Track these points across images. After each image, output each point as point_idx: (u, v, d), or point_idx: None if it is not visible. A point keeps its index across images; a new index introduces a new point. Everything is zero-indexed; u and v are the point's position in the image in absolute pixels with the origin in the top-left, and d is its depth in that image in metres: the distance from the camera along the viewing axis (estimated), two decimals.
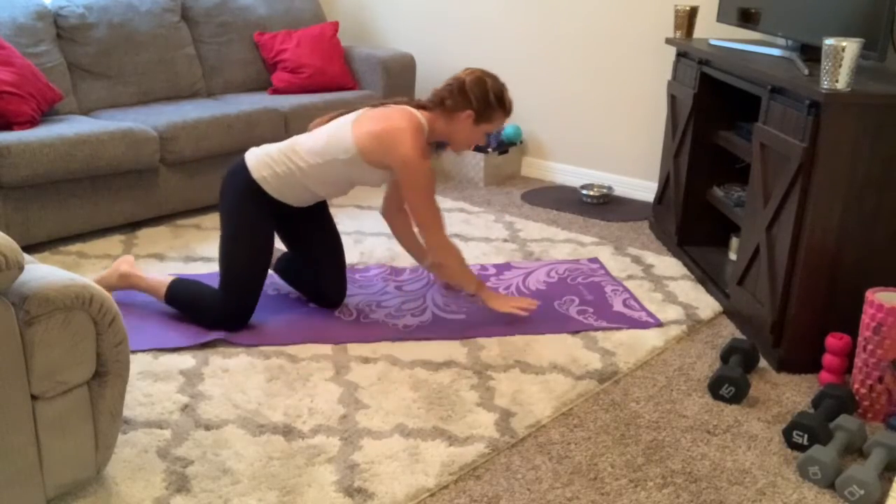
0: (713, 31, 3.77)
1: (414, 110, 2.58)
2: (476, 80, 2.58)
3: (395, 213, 2.91)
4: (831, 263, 2.41)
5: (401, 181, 2.53)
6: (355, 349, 2.54)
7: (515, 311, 2.69)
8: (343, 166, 2.54)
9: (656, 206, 3.73)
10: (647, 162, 4.17)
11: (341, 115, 2.64)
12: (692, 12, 3.43)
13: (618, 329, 2.72)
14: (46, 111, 3.51)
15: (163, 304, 2.70)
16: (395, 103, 2.63)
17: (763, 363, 2.56)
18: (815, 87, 2.30)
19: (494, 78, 2.61)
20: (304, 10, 4.66)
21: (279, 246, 3.09)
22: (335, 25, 4.50)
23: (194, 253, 3.28)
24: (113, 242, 3.38)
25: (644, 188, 4.20)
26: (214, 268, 3.12)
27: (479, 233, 3.62)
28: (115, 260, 3.16)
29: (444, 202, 4.03)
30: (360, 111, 2.60)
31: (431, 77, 4.88)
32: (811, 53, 2.86)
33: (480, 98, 2.57)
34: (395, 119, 2.51)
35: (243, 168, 2.58)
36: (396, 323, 2.72)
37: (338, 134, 2.54)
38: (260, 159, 2.57)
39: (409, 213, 2.93)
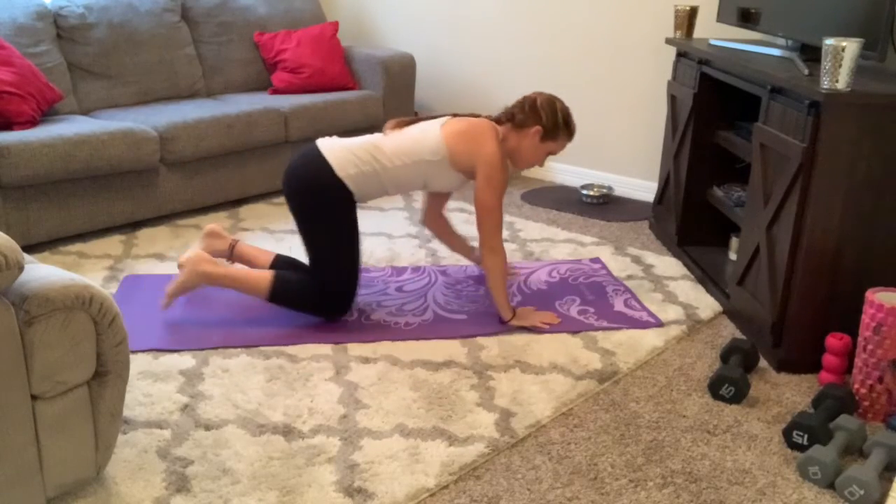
0: (713, 31, 3.77)
1: (492, 122, 2.72)
2: (547, 100, 2.71)
3: (436, 219, 3.05)
4: (831, 263, 2.41)
5: (479, 177, 2.63)
6: (355, 349, 2.54)
7: (540, 325, 2.72)
8: (427, 167, 2.64)
9: (656, 206, 3.73)
10: (647, 162, 4.17)
11: (414, 121, 2.73)
12: (692, 12, 3.43)
13: (618, 329, 2.72)
14: (46, 111, 3.51)
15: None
16: (471, 116, 2.75)
17: (763, 363, 2.56)
18: (815, 87, 2.30)
19: (562, 101, 2.74)
20: (304, 10, 4.66)
21: (279, 250, 3.08)
22: (335, 25, 4.50)
23: None
24: (113, 242, 3.38)
25: (644, 188, 4.20)
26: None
27: None
28: (117, 260, 3.17)
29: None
30: (445, 118, 2.71)
31: (431, 77, 4.88)
32: (811, 53, 2.86)
33: (550, 115, 2.68)
34: (481, 124, 2.68)
35: (324, 164, 2.60)
36: (398, 322, 2.72)
37: (427, 136, 2.65)
38: (344, 157, 2.61)
39: (444, 211, 3.03)
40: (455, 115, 2.72)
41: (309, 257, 2.67)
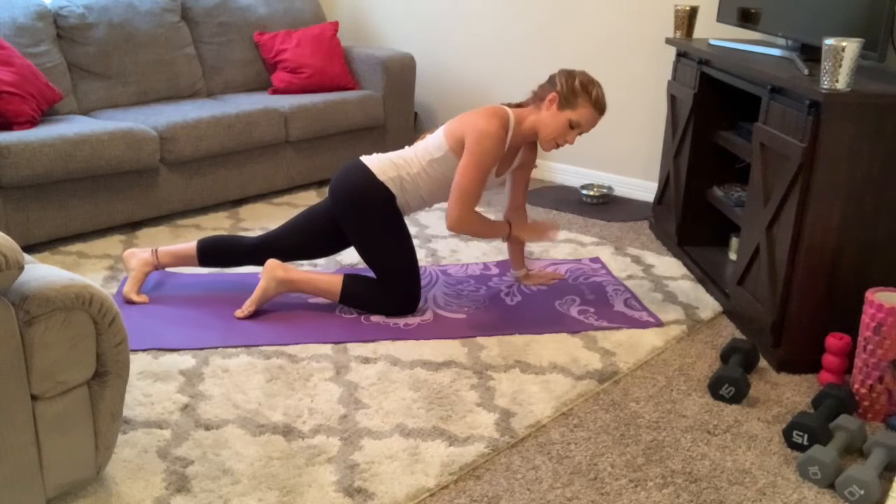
0: (713, 31, 3.77)
1: (503, 106, 2.71)
2: (567, 71, 2.70)
3: (510, 213, 2.99)
4: (831, 263, 2.41)
5: (465, 149, 2.61)
6: (355, 349, 2.54)
7: (546, 237, 2.79)
8: (441, 166, 2.69)
9: (656, 206, 3.73)
10: (647, 162, 4.17)
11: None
12: (692, 12, 3.43)
13: (618, 329, 2.72)
14: (46, 111, 3.51)
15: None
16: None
17: (763, 363, 2.56)
18: (815, 87, 2.30)
19: (586, 74, 2.69)
20: (304, 10, 4.66)
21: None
22: (335, 25, 4.50)
23: None
24: (113, 242, 3.38)
25: (644, 188, 4.20)
26: (215, 269, 3.11)
27: None
28: (117, 260, 3.17)
29: (443, 203, 4.02)
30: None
31: (431, 77, 4.88)
32: (811, 53, 2.86)
33: (566, 82, 2.64)
34: (485, 107, 2.68)
35: (366, 170, 2.69)
36: (397, 322, 2.72)
37: (434, 134, 2.74)
38: (383, 163, 2.71)
39: (521, 207, 2.99)
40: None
41: (369, 265, 2.75)
